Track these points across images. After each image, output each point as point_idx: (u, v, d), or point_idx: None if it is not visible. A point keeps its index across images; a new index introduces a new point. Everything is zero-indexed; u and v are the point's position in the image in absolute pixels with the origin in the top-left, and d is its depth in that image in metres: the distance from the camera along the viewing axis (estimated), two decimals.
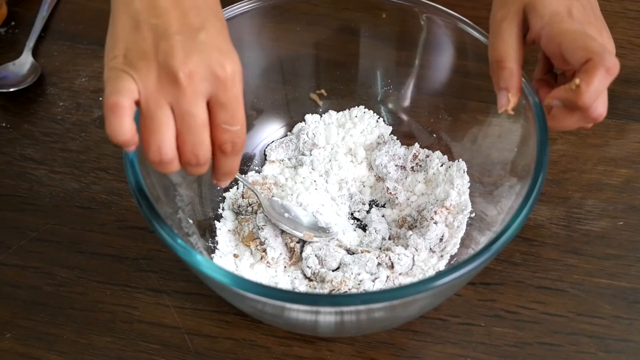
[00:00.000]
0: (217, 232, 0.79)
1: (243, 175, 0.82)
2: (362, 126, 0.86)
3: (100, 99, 0.94)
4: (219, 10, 0.63)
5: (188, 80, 0.58)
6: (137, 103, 0.59)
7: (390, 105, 0.87)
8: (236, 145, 0.62)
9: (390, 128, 0.86)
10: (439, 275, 0.61)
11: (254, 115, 0.86)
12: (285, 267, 0.77)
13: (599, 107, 0.66)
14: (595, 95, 0.65)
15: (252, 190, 0.80)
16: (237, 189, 0.83)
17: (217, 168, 0.64)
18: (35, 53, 0.99)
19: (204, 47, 0.59)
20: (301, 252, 0.77)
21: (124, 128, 0.58)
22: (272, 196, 0.81)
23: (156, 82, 0.59)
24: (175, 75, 0.58)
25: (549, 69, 0.73)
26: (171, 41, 0.58)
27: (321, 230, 0.79)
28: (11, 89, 0.94)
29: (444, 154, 0.83)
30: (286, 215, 0.79)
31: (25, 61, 0.98)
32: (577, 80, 0.64)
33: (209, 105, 0.60)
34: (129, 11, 0.60)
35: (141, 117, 0.60)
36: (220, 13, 0.63)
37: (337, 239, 0.79)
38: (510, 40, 0.69)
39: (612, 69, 0.64)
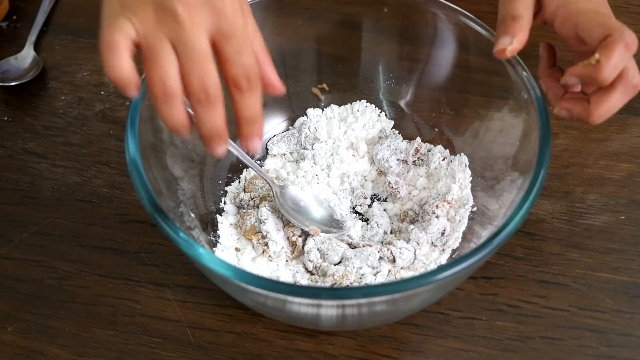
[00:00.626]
0: (219, 225, 0.79)
1: (253, 161, 0.81)
2: (363, 120, 0.86)
3: (103, 92, 0.94)
4: None
5: (186, 12, 0.57)
6: (137, 45, 0.58)
7: (392, 100, 0.87)
8: (251, 79, 0.59)
9: (392, 122, 0.86)
10: (441, 269, 0.61)
11: None
12: (287, 260, 0.77)
13: (636, 75, 0.66)
14: (615, 70, 0.65)
15: (264, 177, 0.79)
16: (239, 182, 0.83)
17: (239, 114, 0.61)
18: (37, 47, 0.99)
19: None
20: (303, 246, 0.77)
21: (121, 64, 0.57)
22: (287, 185, 0.81)
23: (154, 19, 0.57)
24: (173, 9, 0.57)
25: (553, 63, 0.73)
26: None
27: (335, 223, 0.79)
28: (13, 83, 0.94)
29: (445, 148, 0.83)
30: (301, 204, 0.79)
31: (27, 55, 0.98)
32: (596, 55, 0.64)
33: (214, 41, 0.58)
34: None
35: (142, 55, 0.58)
36: None
37: (348, 235, 0.79)
38: (525, 4, 0.69)
39: (631, 45, 0.65)
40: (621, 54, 0.64)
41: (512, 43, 0.68)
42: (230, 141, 0.77)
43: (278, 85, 0.63)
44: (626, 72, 0.66)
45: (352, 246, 0.77)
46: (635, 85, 0.67)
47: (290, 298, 0.63)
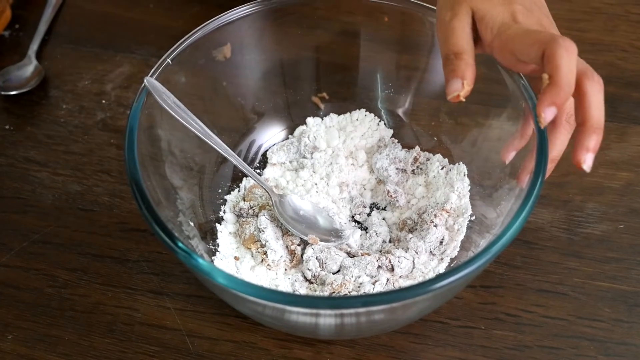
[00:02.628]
0: (218, 234, 0.79)
1: (254, 171, 0.81)
2: (363, 129, 0.86)
3: (104, 101, 0.95)
4: None
5: None
6: None
7: (390, 108, 0.87)
8: None
9: (391, 131, 0.87)
10: (439, 277, 0.61)
11: (255, 118, 0.87)
12: (285, 269, 0.77)
13: (594, 72, 0.65)
14: (571, 74, 0.63)
15: (263, 186, 0.80)
16: (239, 191, 0.83)
17: None
18: (39, 56, 1.00)
19: None
20: (302, 255, 0.77)
21: None
22: (286, 194, 0.81)
23: None
24: None
25: None
26: None
27: (333, 232, 0.79)
28: (15, 92, 0.95)
29: (444, 157, 0.83)
30: (301, 213, 0.79)
31: (28, 64, 0.98)
32: (545, 75, 0.63)
33: None
34: None
35: None
36: None
37: (347, 244, 0.79)
38: (465, 36, 0.69)
39: (569, 47, 0.63)
40: (565, 59, 0.62)
41: (463, 87, 0.68)
42: (230, 150, 0.77)
43: None
44: (585, 71, 0.66)
45: (350, 255, 0.77)
46: (599, 81, 0.66)
47: (288, 307, 0.63)
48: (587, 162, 0.65)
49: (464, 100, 0.68)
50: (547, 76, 0.63)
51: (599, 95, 0.65)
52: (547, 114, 0.64)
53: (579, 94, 0.65)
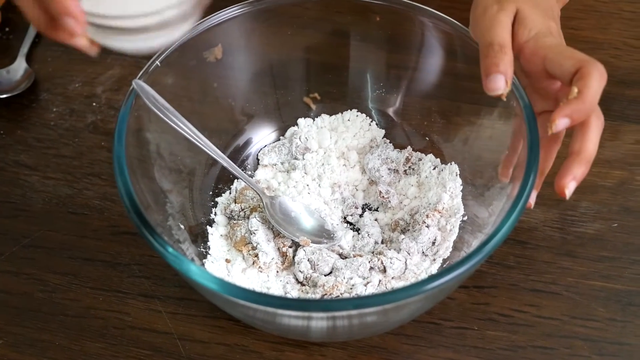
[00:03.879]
0: (209, 237, 0.79)
1: (245, 173, 0.81)
2: (354, 130, 0.86)
3: (94, 104, 0.94)
4: None
5: None
6: None
7: (382, 108, 0.87)
8: None
9: (383, 131, 0.86)
10: (430, 278, 0.61)
11: (246, 119, 0.86)
12: (277, 271, 0.77)
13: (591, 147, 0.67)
14: (595, 100, 0.65)
15: (254, 188, 0.79)
16: (230, 193, 0.83)
17: None
18: (29, 59, 0.99)
19: None
20: (294, 257, 0.77)
21: None
22: (277, 195, 0.80)
23: None
24: None
25: None
26: None
27: (325, 233, 0.79)
28: (5, 95, 0.95)
29: (436, 157, 0.83)
30: (292, 214, 0.79)
31: (19, 67, 0.98)
32: (575, 89, 0.65)
33: None
34: None
35: None
36: None
37: (339, 245, 0.78)
38: (508, 31, 0.70)
39: (604, 74, 0.66)
40: (598, 81, 0.65)
41: (506, 85, 0.68)
42: (220, 152, 0.77)
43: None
44: (595, 109, 0.67)
45: (342, 256, 0.77)
46: (603, 122, 0.68)
47: (279, 311, 0.63)
48: (569, 188, 0.68)
49: (505, 99, 0.68)
50: (577, 90, 0.64)
51: (599, 133, 0.67)
52: (561, 123, 0.65)
53: (583, 126, 0.67)
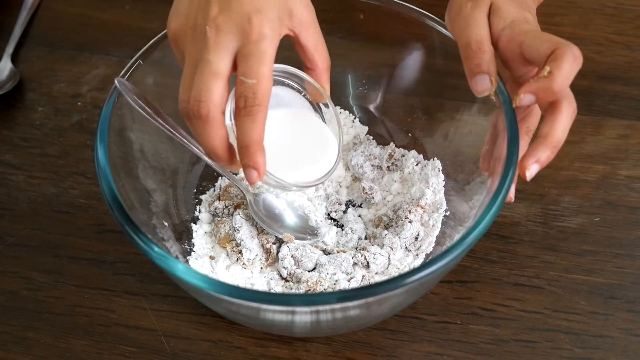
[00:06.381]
0: (194, 234, 0.79)
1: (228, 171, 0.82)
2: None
3: (79, 103, 0.94)
4: None
5: (213, 32, 0.60)
6: None
7: (364, 105, 0.87)
8: (248, 100, 0.60)
9: (366, 128, 0.86)
10: (411, 272, 0.62)
11: None
12: (261, 268, 0.77)
13: (559, 134, 0.68)
14: (567, 81, 0.66)
15: (237, 185, 0.80)
16: (214, 191, 0.83)
17: (237, 136, 0.62)
18: (14, 59, 0.99)
19: (239, 4, 0.60)
20: (277, 253, 0.77)
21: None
22: (261, 192, 0.81)
23: (191, 41, 0.61)
24: (203, 29, 0.60)
25: None
26: (210, 0, 0.61)
27: (309, 230, 0.79)
28: None
29: (419, 153, 0.83)
30: (276, 211, 0.79)
31: (4, 67, 0.98)
32: (547, 68, 0.65)
33: (236, 62, 0.61)
34: None
35: None
36: None
37: (322, 242, 0.79)
38: (485, 27, 0.70)
39: (578, 57, 0.66)
40: (571, 64, 0.65)
41: (492, 85, 0.69)
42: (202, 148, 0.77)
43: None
44: (569, 96, 0.68)
45: (326, 252, 0.77)
46: (575, 110, 0.69)
47: (263, 306, 0.63)
48: (531, 171, 0.68)
49: (493, 98, 0.69)
50: (548, 69, 0.65)
51: (569, 120, 0.68)
52: (525, 98, 0.66)
53: (554, 110, 0.67)
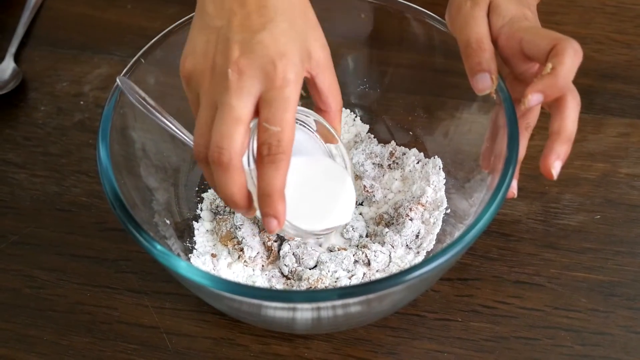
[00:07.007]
0: (195, 232, 0.79)
1: None
2: None
3: (82, 102, 0.95)
4: (295, 7, 0.63)
5: (236, 75, 0.58)
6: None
7: (366, 104, 0.87)
8: (272, 148, 0.58)
9: (367, 126, 0.87)
10: (412, 268, 0.62)
11: None
12: (263, 265, 0.78)
13: (570, 126, 0.68)
14: (570, 76, 0.66)
15: None
16: None
17: (257, 186, 0.61)
18: (17, 59, 1.00)
19: (261, 47, 0.59)
20: (279, 251, 0.78)
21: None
22: None
23: (209, 82, 0.59)
24: (225, 72, 0.58)
25: None
26: (229, 42, 0.59)
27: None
28: None
29: (420, 151, 0.83)
30: None
31: (6, 67, 0.98)
32: (549, 64, 0.65)
33: (258, 107, 0.59)
34: (201, 13, 0.62)
35: None
36: (296, 10, 0.62)
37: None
38: (485, 25, 0.71)
39: (578, 51, 0.66)
40: (572, 58, 0.65)
41: (493, 83, 0.69)
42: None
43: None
44: (573, 90, 0.68)
45: (327, 250, 0.78)
46: (579, 102, 0.68)
47: (264, 303, 0.64)
48: (556, 168, 0.68)
49: (494, 96, 0.69)
50: (551, 66, 0.65)
51: (576, 112, 0.68)
52: (534, 98, 0.66)
53: (560, 105, 0.67)
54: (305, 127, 0.72)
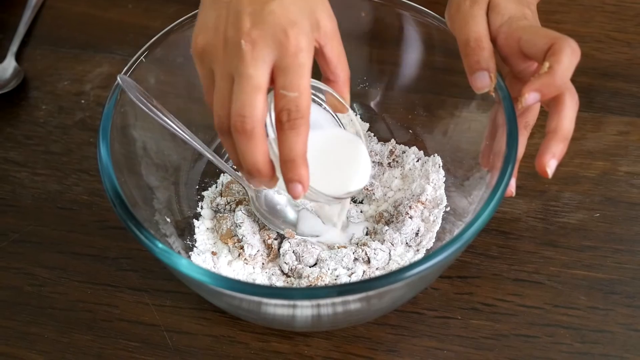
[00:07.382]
0: (196, 230, 0.80)
1: (230, 167, 0.82)
2: None
3: (83, 101, 0.95)
4: None
5: (249, 46, 0.59)
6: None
7: (366, 102, 0.87)
8: (291, 114, 0.59)
9: (367, 125, 0.87)
10: (411, 265, 0.62)
11: None
12: (263, 263, 0.78)
13: (567, 125, 0.68)
14: (567, 74, 0.66)
15: (239, 182, 0.80)
16: (216, 187, 0.84)
17: (279, 153, 0.61)
18: (18, 57, 1.00)
19: (272, 17, 0.59)
20: (279, 249, 0.78)
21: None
22: (262, 189, 0.81)
23: (223, 55, 0.60)
24: (238, 44, 0.59)
25: None
26: (240, 14, 0.60)
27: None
28: None
29: (419, 149, 0.84)
30: (277, 207, 0.80)
31: (8, 66, 0.99)
32: (547, 63, 0.66)
33: (273, 75, 0.60)
34: None
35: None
36: None
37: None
38: (484, 24, 0.71)
39: (576, 50, 0.66)
40: (570, 57, 0.65)
41: (491, 81, 0.69)
42: (206, 146, 0.78)
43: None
44: (571, 88, 0.69)
45: (327, 247, 0.78)
46: (577, 102, 0.69)
47: (264, 300, 0.64)
48: (551, 167, 0.68)
49: (493, 94, 0.70)
50: (548, 65, 0.65)
51: (574, 111, 0.68)
52: (531, 97, 0.66)
53: (558, 104, 0.68)
54: (315, 98, 0.72)
